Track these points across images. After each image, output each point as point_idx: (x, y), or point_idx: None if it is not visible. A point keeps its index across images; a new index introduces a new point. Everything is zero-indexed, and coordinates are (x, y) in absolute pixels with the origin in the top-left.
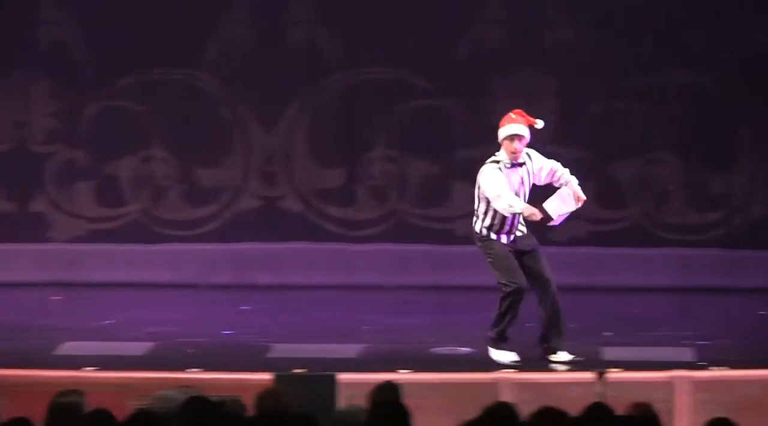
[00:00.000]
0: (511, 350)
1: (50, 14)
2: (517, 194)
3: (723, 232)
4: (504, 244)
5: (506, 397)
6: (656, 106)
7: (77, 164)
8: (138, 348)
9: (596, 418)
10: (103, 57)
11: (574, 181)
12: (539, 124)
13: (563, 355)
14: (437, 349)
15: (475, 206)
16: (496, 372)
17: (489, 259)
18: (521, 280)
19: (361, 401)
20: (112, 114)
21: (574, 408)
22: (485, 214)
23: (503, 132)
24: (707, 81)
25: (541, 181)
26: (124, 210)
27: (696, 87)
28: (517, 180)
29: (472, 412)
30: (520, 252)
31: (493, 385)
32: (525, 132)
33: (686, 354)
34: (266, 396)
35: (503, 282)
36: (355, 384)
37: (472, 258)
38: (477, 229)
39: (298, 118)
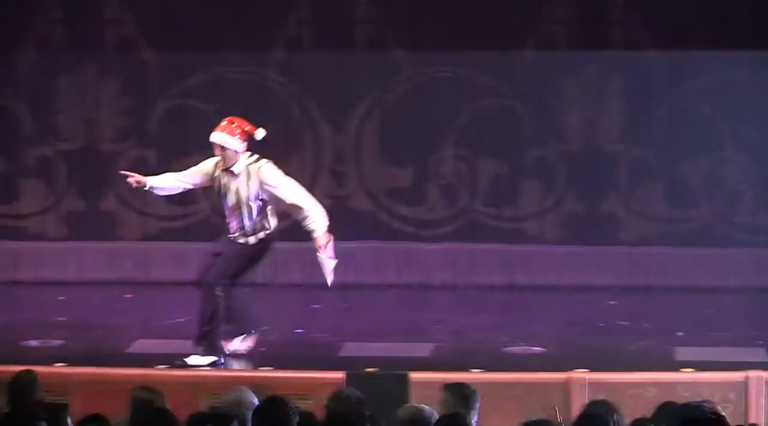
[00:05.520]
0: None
1: (117, 13)
2: (229, 200)
3: None
4: (225, 234)
5: (579, 397)
6: (725, 106)
7: (147, 162)
8: None
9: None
10: (171, 55)
11: (311, 223)
12: (259, 134)
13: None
14: (509, 348)
15: None
16: (568, 372)
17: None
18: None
19: (434, 401)
20: (180, 113)
21: (648, 408)
22: None
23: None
24: None
25: (267, 198)
26: (194, 208)
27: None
28: (233, 186)
29: (544, 413)
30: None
31: (565, 385)
32: (219, 140)
33: (759, 354)
34: (337, 396)
35: None
36: (427, 383)
37: (543, 257)
38: None
39: (367, 117)
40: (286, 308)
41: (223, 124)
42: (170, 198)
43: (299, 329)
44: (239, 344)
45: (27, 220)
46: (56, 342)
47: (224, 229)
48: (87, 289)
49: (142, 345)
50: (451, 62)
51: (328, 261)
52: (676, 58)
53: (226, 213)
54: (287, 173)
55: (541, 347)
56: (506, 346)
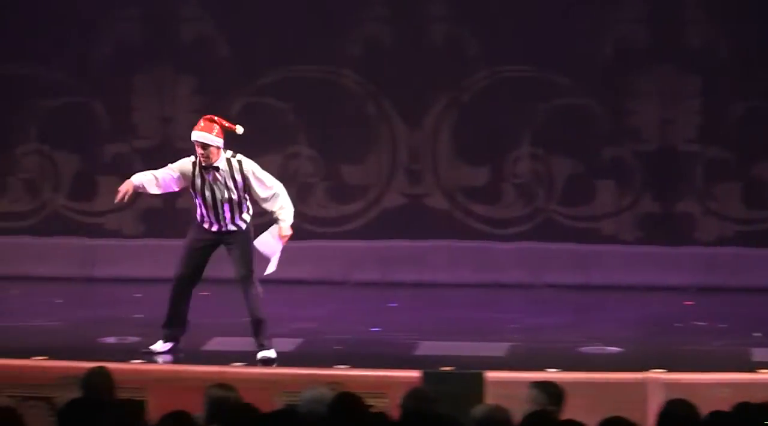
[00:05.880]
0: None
1: (193, 11)
2: (208, 194)
3: None
4: (206, 230)
5: (655, 397)
6: None
7: None
8: (286, 344)
9: (743, 418)
10: (247, 53)
11: (284, 213)
12: (239, 129)
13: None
14: (585, 348)
15: None
16: (645, 372)
17: None
18: (179, 270)
19: (510, 400)
20: (256, 110)
21: (724, 409)
22: None
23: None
24: None
25: (251, 194)
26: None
27: None
28: (219, 181)
29: (620, 412)
30: (226, 244)
31: (642, 385)
32: (202, 138)
33: None
34: (413, 395)
35: None
36: (503, 382)
37: (617, 257)
38: None
39: (443, 116)
40: (362, 306)
41: (202, 123)
42: None
43: (375, 327)
44: (162, 346)
45: (104, 218)
46: (133, 339)
47: (198, 224)
48: (163, 286)
49: (218, 342)
50: (527, 61)
51: (277, 252)
52: (750, 56)
53: (213, 207)
54: (367, 171)
55: (617, 347)
56: (582, 346)
